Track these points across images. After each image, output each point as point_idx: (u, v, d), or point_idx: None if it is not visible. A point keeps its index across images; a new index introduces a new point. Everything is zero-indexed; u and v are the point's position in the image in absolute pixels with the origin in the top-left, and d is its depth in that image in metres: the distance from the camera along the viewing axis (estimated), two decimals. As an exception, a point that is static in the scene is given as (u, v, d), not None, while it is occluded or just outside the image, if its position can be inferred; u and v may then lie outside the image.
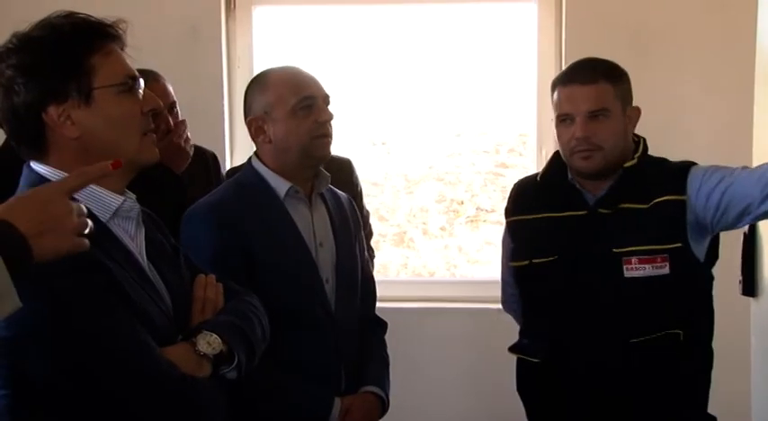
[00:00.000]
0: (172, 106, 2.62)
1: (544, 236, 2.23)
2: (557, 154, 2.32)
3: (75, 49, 1.46)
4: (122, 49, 1.53)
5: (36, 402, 1.39)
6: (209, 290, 1.66)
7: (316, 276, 2.13)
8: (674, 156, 3.58)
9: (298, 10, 3.95)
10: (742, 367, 2.89)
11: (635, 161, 2.24)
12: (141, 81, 1.55)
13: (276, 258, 2.08)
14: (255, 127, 2.13)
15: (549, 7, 3.82)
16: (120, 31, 1.52)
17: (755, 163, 2.76)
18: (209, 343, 1.50)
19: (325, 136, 2.12)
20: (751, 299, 2.78)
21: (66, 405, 1.38)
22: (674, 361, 2.18)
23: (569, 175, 2.26)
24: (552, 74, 3.77)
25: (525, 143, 4.05)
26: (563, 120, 2.18)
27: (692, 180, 2.19)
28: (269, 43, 3.88)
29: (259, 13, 3.85)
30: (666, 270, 2.12)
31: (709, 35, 3.59)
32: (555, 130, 2.25)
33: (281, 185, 2.12)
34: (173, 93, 2.65)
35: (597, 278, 2.15)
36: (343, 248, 2.23)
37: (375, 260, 3.25)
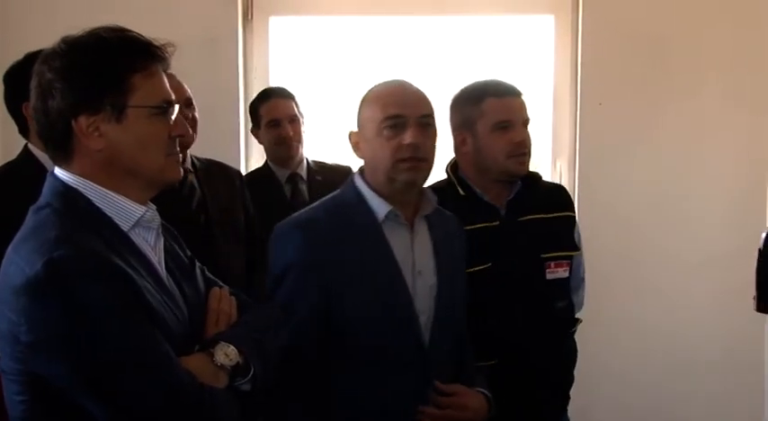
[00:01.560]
0: (188, 102, 2.67)
1: (471, 246, 2.31)
2: (454, 171, 2.44)
3: (119, 65, 1.49)
4: (166, 71, 1.56)
5: (54, 409, 1.42)
6: (223, 302, 1.68)
7: (410, 309, 1.98)
8: (696, 165, 3.62)
9: (315, 20, 3.99)
10: (755, 382, 2.90)
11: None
12: (177, 106, 1.57)
13: (366, 287, 1.93)
14: (353, 142, 2.05)
15: (566, 21, 3.86)
16: (167, 55, 1.55)
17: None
18: (227, 354, 1.53)
19: (412, 159, 1.94)
20: (767, 316, 2.79)
21: (84, 413, 1.40)
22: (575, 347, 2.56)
23: (476, 190, 2.39)
24: (568, 86, 3.82)
25: (540, 155, 4.05)
26: (503, 126, 2.31)
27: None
28: (285, 53, 3.92)
29: (275, 24, 3.89)
30: (567, 274, 2.46)
31: (727, 46, 3.62)
32: (484, 140, 2.33)
33: (380, 208, 1.98)
34: (188, 89, 2.70)
35: (527, 281, 2.38)
36: (445, 277, 2.07)
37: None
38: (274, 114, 3.12)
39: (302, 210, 2.09)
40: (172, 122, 1.56)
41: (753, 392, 2.97)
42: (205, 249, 2.39)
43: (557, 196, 2.55)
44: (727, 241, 3.58)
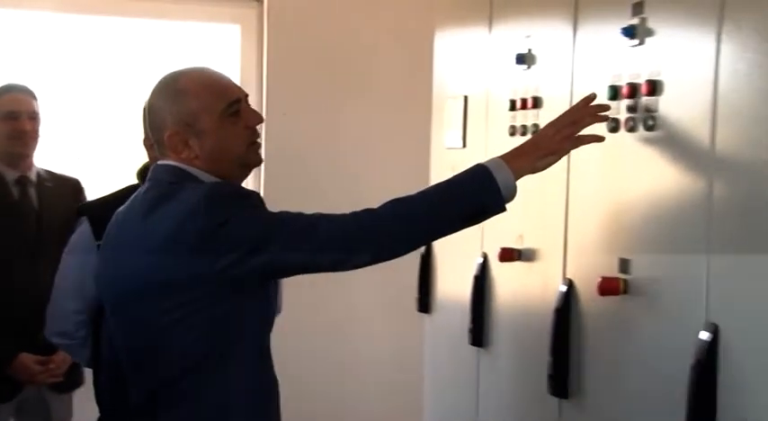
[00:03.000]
0: None
1: None
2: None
3: None
4: None
5: None
6: None
7: None
8: (369, 171, 3.82)
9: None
10: (415, 377, 3.12)
11: None
12: None
13: None
14: (177, 142, 1.77)
15: (252, 32, 3.92)
16: None
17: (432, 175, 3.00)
18: None
19: (258, 142, 1.86)
20: (425, 315, 3.01)
21: None
22: None
23: None
24: (254, 96, 3.86)
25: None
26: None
27: None
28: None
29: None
30: None
31: (396, 60, 3.86)
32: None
33: None
34: None
35: None
36: None
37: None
38: (14, 107, 2.93)
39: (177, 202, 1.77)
40: None
41: (414, 386, 3.19)
42: None
43: None
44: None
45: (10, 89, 2.99)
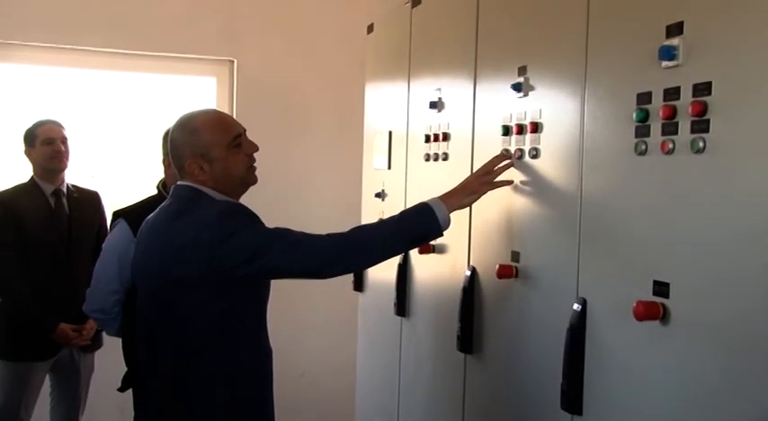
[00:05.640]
0: None
1: None
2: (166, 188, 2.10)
3: None
4: None
5: None
6: None
7: None
8: (312, 190, 3.73)
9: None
10: (352, 340, 3.07)
11: None
12: None
13: None
14: (197, 167, 1.69)
15: (225, 83, 3.80)
16: None
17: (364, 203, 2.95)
18: None
19: (254, 166, 1.77)
20: (359, 293, 2.96)
21: None
22: None
23: None
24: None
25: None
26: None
27: None
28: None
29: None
30: None
31: (335, 108, 3.79)
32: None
33: None
34: None
35: None
36: None
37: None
38: (51, 134, 2.86)
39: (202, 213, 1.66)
40: None
41: (349, 346, 3.13)
42: None
43: None
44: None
45: (45, 122, 2.91)
